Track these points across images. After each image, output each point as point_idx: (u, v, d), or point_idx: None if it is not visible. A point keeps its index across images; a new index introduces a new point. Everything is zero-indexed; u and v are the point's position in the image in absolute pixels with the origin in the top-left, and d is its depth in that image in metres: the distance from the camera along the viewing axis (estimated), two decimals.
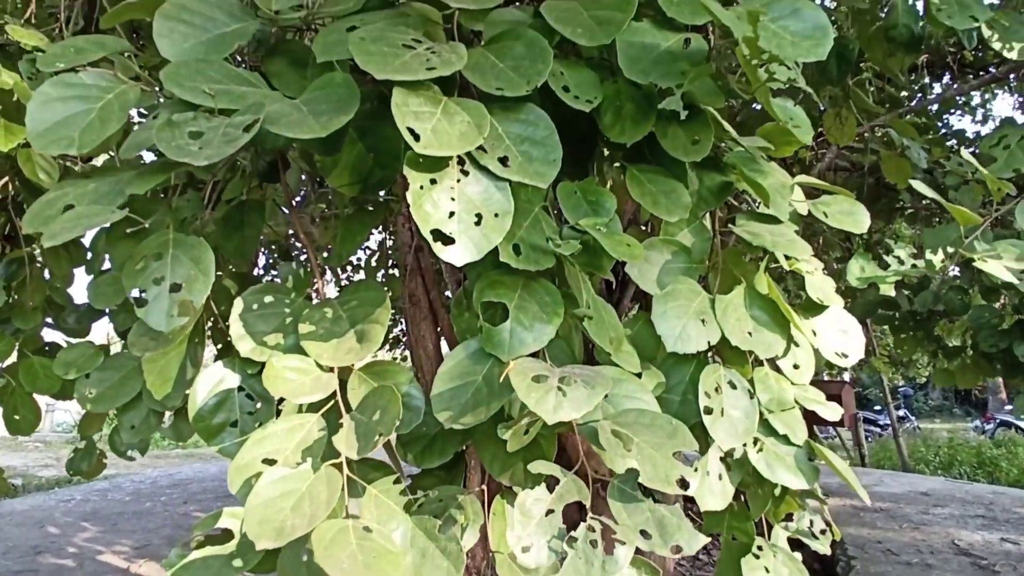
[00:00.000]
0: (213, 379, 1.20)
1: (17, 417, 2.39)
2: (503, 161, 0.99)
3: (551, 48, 1.08)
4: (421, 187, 0.93)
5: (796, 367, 1.31)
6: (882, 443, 14.87)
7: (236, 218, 1.45)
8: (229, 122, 0.94)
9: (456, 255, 0.93)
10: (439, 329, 4.70)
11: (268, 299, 1.22)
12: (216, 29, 1.19)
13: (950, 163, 2.28)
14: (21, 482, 9.50)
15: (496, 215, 0.97)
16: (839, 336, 1.42)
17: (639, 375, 1.18)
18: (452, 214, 0.95)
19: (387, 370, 1.17)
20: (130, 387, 1.74)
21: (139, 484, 8.96)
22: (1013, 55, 1.54)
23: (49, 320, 2.74)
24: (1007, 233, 2.13)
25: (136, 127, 1.10)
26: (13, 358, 2.48)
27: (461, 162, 0.98)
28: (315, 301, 1.24)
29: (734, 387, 1.19)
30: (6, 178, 2.35)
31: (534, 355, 1.07)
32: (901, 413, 21.40)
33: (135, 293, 1.04)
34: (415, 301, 4.56)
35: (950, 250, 1.48)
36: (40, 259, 2.76)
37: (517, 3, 1.54)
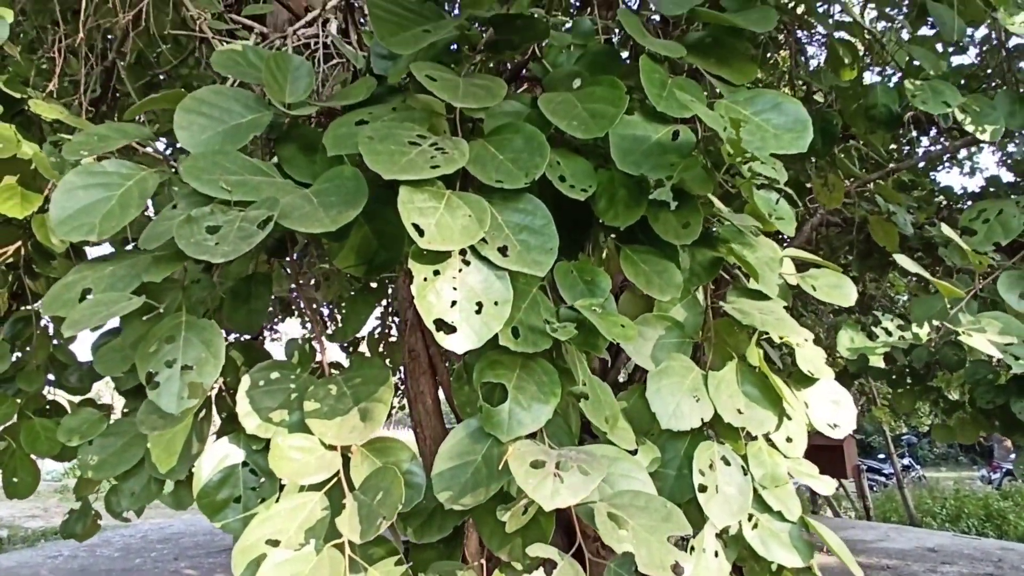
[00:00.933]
0: (218, 455, 1.23)
1: (15, 480, 2.39)
2: (503, 251, 1.05)
3: (547, 142, 1.15)
4: (425, 279, 0.98)
5: (789, 440, 1.34)
6: (887, 494, 14.63)
7: (243, 291, 1.50)
8: (244, 216, 1.00)
9: (457, 343, 0.97)
10: (438, 383, 4.71)
11: (274, 375, 1.26)
12: (232, 120, 1.27)
13: (935, 229, 2.35)
14: (6, 534, 9.28)
15: (496, 303, 1.02)
16: (831, 407, 1.45)
17: (635, 451, 1.21)
18: (454, 303, 1.00)
19: (389, 447, 1.19)
20: (132, 454, 1.76)
21: (129, 539, 8.76)
22: (985, 137, 1.63)
23: (50, 377, 2.76)
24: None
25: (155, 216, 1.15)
26: (12, 417, 2.49)
27: (463, 252, 1.03)
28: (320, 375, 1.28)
29: (728, 464, 1.21)
30: (19, 243, 2.42)
31: (532, 432, 1.10)
32: (906, 462, 21.08)
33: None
34: (415, 356, 4.58)
35: (936, 323, 1.52)
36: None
37: (515, 83, 1.63)
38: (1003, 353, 1.41)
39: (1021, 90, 1.71)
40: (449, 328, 0.98)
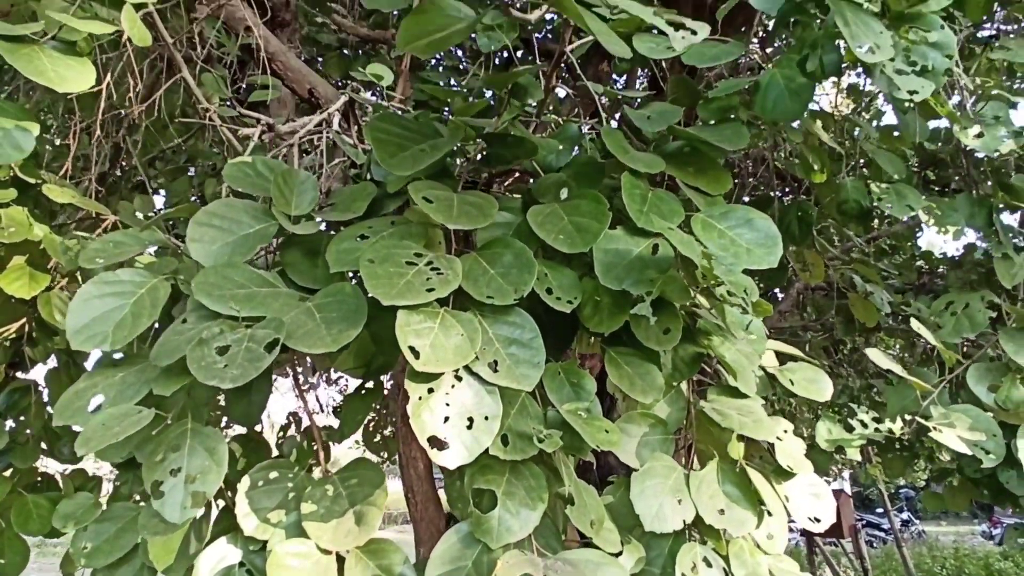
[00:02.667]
0: (216, 556, 1.26)
1: (3, 560, 2.37)
2: (493, 366, 1.12)
3: (534, 257, 1.24)
4: (420, 398, 1.05)
5: (770, 537, 1.39)
6: (887, 551, 14.36)
7: (244, 386, 1.55)
8: (252, 335, 1.07)
9: (449, 459, 1.03)
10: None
11: (273, 475, 1.31)
12: (241, 231, 1.35)
13: (911, 308, 2.46)
14: None
15: (487, 418, 1.08)
16: (811, 500, 1.50)
17: (620, 552, 1.25)
18: (447, 419, 1.06)
19: (382, 549, 1.23)
20: (126, 540, 1.77)
21: None
22: (949, 236, 1.74)
23: (42, 445, 2.77)
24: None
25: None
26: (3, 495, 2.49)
27: (455, 369, 1.10)
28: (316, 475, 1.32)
29: (710, 565, 1.26)
30: (23, 319, 2.48)
31: None
32: (905, 516, 20.72)
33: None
34: (407, 421, 4.62)
35: (908, 417, 1.59)
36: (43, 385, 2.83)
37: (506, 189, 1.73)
38: (972, 449, 1.47)
39: (978, 193, 1.84)
40: (442, 445, 1.04)
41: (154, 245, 1.43)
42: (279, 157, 1.80)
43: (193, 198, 3.43)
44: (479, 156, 1.50)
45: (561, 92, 3.66)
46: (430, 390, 1.06)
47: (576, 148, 1.69)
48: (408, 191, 1.30)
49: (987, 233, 1.79)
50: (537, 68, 1.46)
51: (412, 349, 1.04)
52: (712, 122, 1.65)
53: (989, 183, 1.86)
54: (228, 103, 2.71)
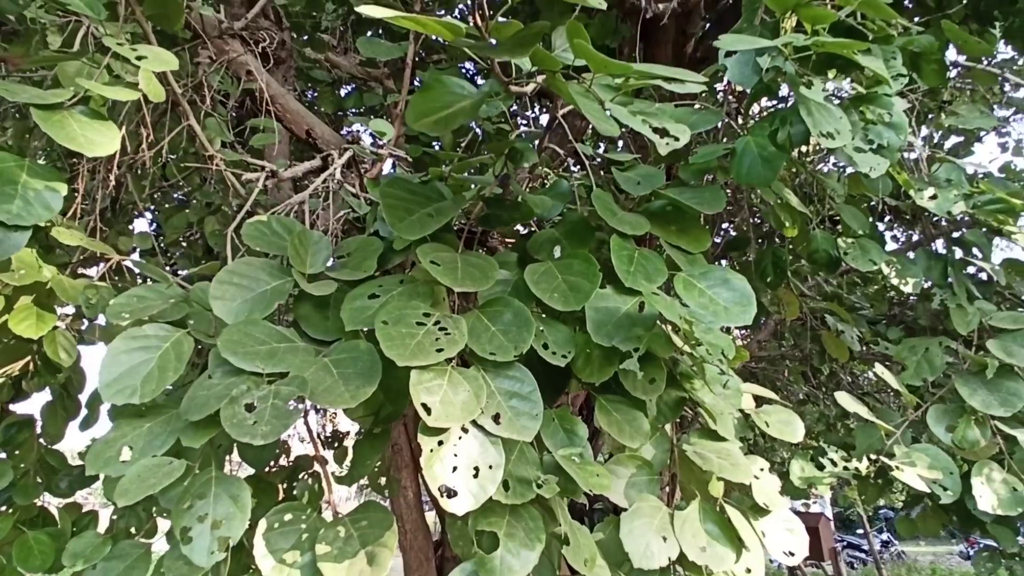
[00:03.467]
0: None
1: None
2: (496, 419, 1.23)
3: (532, 317, 1.36)
4: (431, 450, 1.15)
5: (748, 571, 1.50)
6: (867, 572, 14.53)
7: None
8: (277, 392, 1.18)
9: (458, 507, 1.14)
10: (420, 477, 4.80)
11: (287, 517, 1.40)
12: (259, 287, 1.46)
13: (879, 346, 2.61)
14: None
15: (490, 467, 1.19)
16: (786, 535, 1.62)
17: None
18: (455, 469, 1.17)
19: None
20: None
21: None
22: (908, 288, 1.89)
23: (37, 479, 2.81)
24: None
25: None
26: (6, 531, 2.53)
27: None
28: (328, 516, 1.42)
29: None
30: (28, 358, 2.54)
31: None
32: (884, 537, 20.94)
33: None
34: (397, 450, 4.70)
35: (872, 456, 1.72)
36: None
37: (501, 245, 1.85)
38: (931, 486, 1.60)
39: (935, 248, 2.00)
40: (452, 493, 1.15)
41: (174, 299, 1.52)
42: (290, 213, 1.91)
43: (190, 233, 3.52)
44: (479, 219, 1.63)
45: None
46: (440, 442, 1.17)
47: (571, 195, 1.82)
48: (412, 247, 1.43)
49: (943, 285, 1.95)
50: (533, 136, 1.59)
51: (424, 406, 1.14)
52: (693, 182, 1.79)
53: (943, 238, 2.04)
54: (231, 146, 2.82)
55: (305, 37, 5.26)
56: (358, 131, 2.39)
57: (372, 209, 1.88)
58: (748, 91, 1.64)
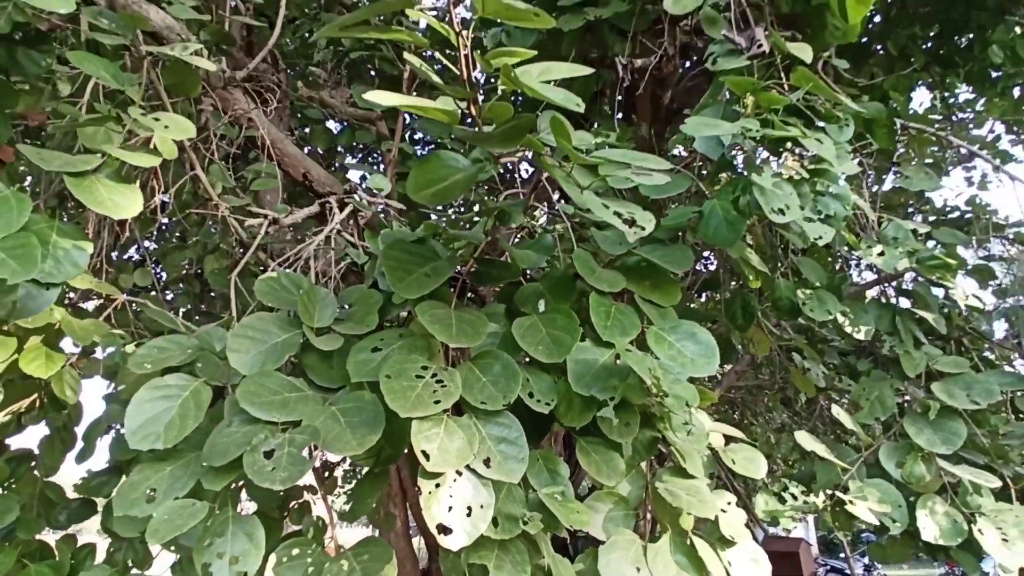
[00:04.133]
0: None
1: None
2: (486, 463, 1.38)
3: (518, 368, 1.52)
4: (429, 492, 1.30)
5: None
6: None
7: None
8: (292, 440, 1.32)
9: (453, 543, 1.28)
10: (408, 506, 4.89)
11: (295, 551, 1.53)
12: (271, 340, 1.60)
13: (842, 383, 2.80)
14: None
15: (482, 506, 1.34)
16: (751, 566, 1.77)
17: None
18: (450, 508, 1.31)
19: None
20: None
21: None
22: (860, 336, 2.08)
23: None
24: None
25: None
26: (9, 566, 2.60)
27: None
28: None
29: None
30: (35, 395, 2.65)
31: None
32: (867, 560, 21.06)
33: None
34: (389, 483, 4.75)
35: (829, 491, 1.89)
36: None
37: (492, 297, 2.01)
38: (881, 519, 1.77)
39: (884, 300, 2.20)
40: (447, 530, 1.29)
41: (194, 351, 1.66)
42: (295, 267, 2.06)
43: (188, 271, 3.64)
44: (470, 276, 1.79)
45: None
46: (437, 485, 1.32)
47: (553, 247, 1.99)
48: (410, 301, 1.59)
49: (892, 332, 2.15)
50: (521, 203, 1.76)
51: (424, 453, 1.29)
52: (666, 239, 1.97)
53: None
54: (233, 191, 2.96)
55: (296, 68, 5.45)
56: (356, 185, 2.56)
57: (371, 261, 2.04)
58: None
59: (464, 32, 1.21)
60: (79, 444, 3.04)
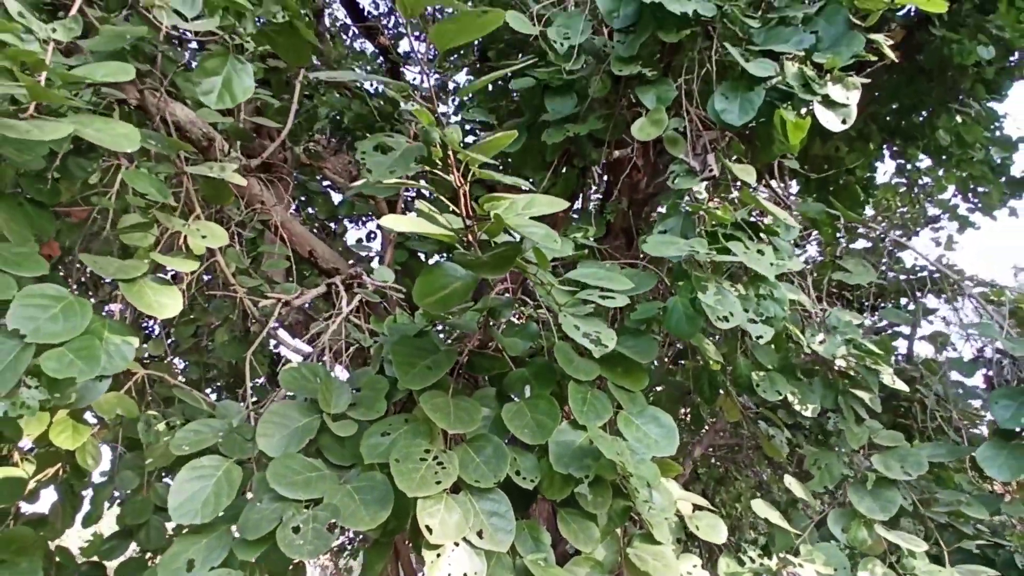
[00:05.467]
0: None
1: None
2: (480, 534, 1.63)
3: (507, 449, 1.78)
4: (432, 561, 1.54)
5: None
6: None
7: None
8: (315, 517, 1.56)
9: None
10: (400, 565, 5.06)
11: None
12: (293, 424, 1.86)
13: (804, 449, 3.06)
14: None
15: (476, 573, 1.58)
16: None
17: None
18: (450, 575, 1.55)
19: None
20: None
21: None
22: (807, 412, 2.36)
23: None
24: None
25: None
26: None
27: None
28: None
29: None
30: (59, 464, 2.86)
31: None
32: None
33: None
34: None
35: (782, 555, 2.13)
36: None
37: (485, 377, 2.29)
38: None
39: (831, 378, 2.49)
40: None
41: (222, 432, 1.91)
42: (313, 358, 2.32)
43: (198, 341, 3.88)
44: (465, 366, 2.07)
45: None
46: (438, 555, 1.56)
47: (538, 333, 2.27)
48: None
49: (836, 410, 2.43)
50: (509, 301, 2.05)
51: (427, 527, 1.54)
52: (637, 328, 2.27)
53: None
54: (247, 272, 3.24)
55: (298, 141, 5.81)
56: (362, 271, 2.85)
57: (377, 347, 2.31)
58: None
59: (464, 186, 1.52)
60: (86, 508, 3.24)
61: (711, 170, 2.13)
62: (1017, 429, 2.20)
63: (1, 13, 1.76)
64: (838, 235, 2.85)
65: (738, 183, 2.17)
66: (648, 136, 2.26)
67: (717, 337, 2.78)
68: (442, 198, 1.57)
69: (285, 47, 2.38)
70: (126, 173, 2.10)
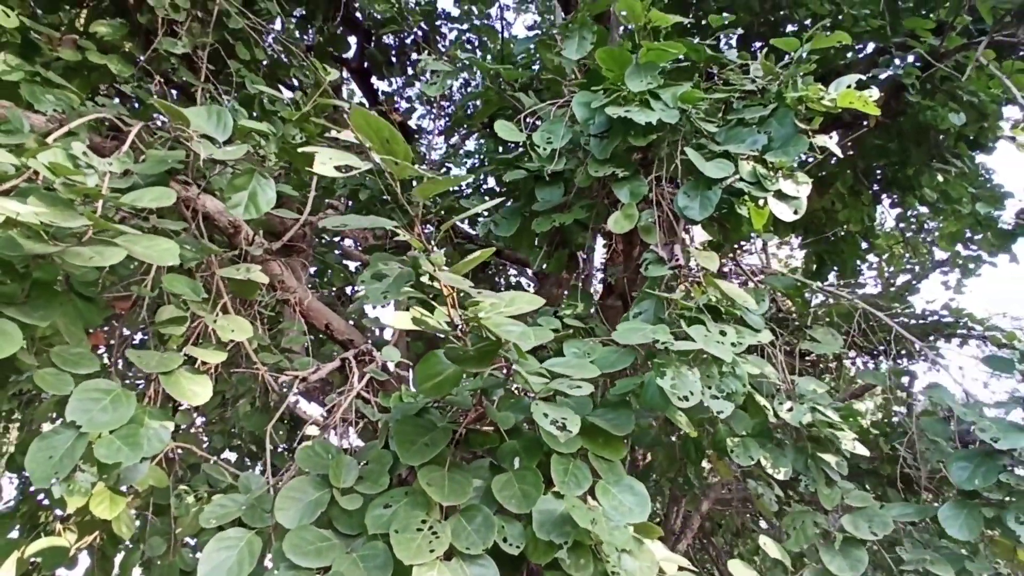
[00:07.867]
0: None
1: None
2: None
3: (495, 518, 2.00)
4: None
5: None
6: None
7: None
8: None
9: None
10: None
11: None
12: (307, 498, 2.11)
13: (790, 508, 3.22)
14: None
15: None
16: None
17: None
18: None
19: None
20: None
21: None
22: (780, 476, 2.55)
23: None
24: None
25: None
26: None
27: None
28: None
29: None
30: (97, 532, 3.11)
31: None
32: None
33: None
34: None
35: None
36: None
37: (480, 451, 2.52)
38: None
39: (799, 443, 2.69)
40: None
41: (245, 505, 2.16)
42: (327, 432, 2.59)
43: (222, 411, 4.17)
44: (461, 438, 2.32)
45: None
46: None
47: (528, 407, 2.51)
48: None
49: (806, 472, 2.61)
50: (501, 381, 2.31)
51: None
52: (615, 402, 2.50)
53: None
54: (267, 349, 3.55)
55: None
56: (371, 347, 3.14)
57: (384, 426, 2.56)
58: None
59: (452, 294, 1.81)
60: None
61: (677, 260, 2.40)
62: (976, 489, 2.37)
63: (66, 154, 2.12)
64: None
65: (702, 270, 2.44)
66: (622, 229, 2.54)
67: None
68: (432, 303, 1.86)
69: (303, 160, 2.73)
70: (166, 277, 2.43)
